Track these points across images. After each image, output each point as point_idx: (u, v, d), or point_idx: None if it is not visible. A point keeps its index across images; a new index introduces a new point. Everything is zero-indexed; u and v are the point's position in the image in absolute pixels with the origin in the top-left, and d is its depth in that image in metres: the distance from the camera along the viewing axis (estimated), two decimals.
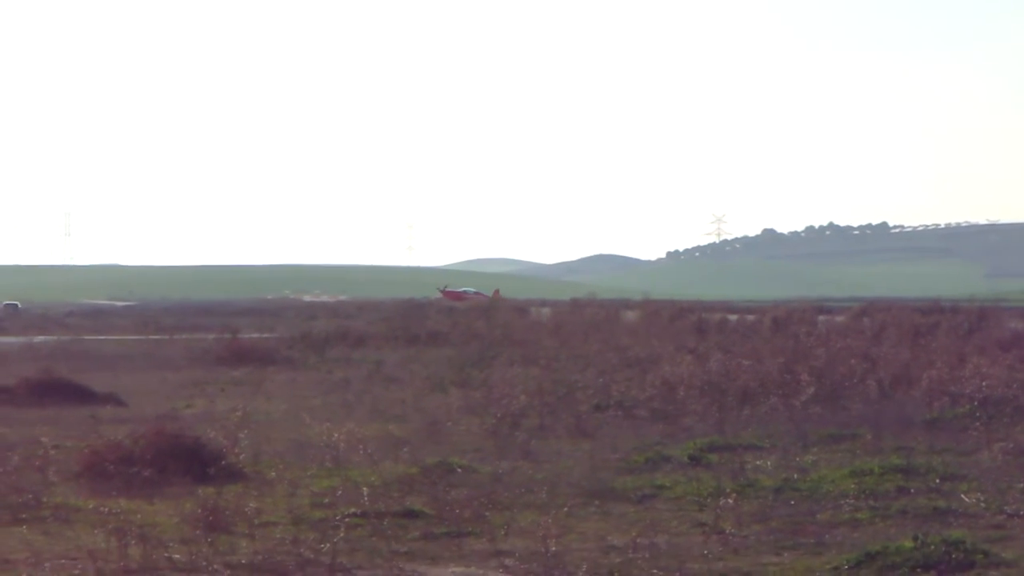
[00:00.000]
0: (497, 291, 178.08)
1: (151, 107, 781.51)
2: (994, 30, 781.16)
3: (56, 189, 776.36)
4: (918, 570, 18.23)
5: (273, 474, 27.21)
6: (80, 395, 43.19)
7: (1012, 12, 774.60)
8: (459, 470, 27.34)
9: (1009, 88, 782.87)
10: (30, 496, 23.82)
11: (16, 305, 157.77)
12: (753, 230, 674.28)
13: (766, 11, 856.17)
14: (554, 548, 19.41)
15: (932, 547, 18.64)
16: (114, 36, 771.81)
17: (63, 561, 19.76)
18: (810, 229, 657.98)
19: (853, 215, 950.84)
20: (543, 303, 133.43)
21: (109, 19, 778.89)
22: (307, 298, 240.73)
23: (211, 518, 21.52)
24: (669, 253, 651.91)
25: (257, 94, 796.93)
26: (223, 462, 27.08)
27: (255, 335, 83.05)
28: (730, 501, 23.02)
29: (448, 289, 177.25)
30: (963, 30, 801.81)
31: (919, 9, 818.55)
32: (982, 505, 22.56)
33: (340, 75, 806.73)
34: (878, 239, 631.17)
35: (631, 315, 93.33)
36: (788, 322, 74.78)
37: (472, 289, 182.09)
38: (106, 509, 23.25)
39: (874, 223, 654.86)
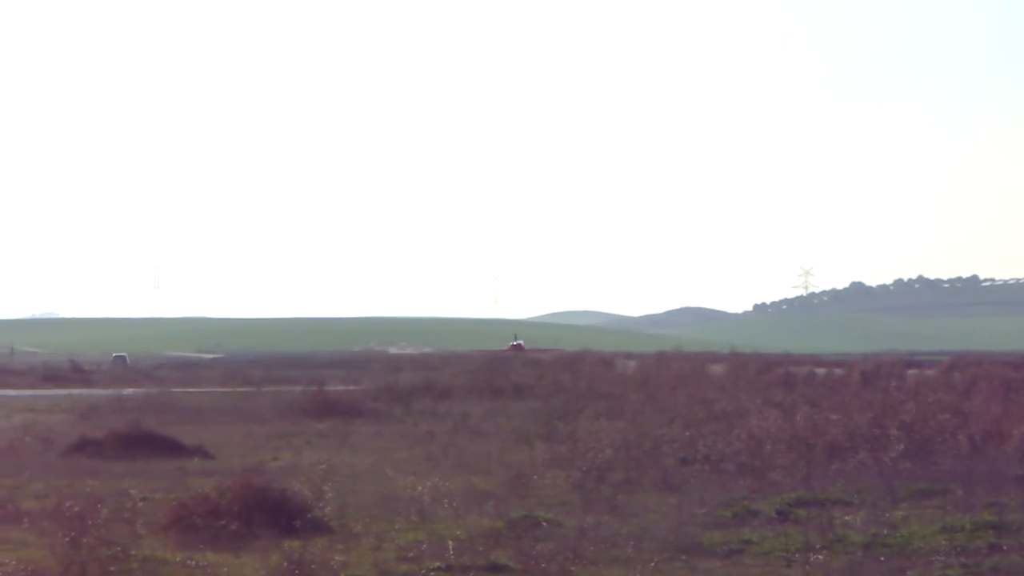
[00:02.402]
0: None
1: (238, 163, 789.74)
2: None
3: (145, 243, 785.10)
4: None
5: (359, 527, 27.24)
6: (168, 448, 43.50)
7: None
8: (544, 524, 27.24)
9: None
10: (119, 549, 23.93)
11: (124, 357, 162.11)
12: (841, 283, 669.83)
13: (854, 65, 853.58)
14: None
15: None
16: (195, 94, 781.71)
17: None
18: (899, 282, 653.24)
19: (943, 268, 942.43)
20: (628, 356, 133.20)
21: (194, 79, 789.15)
22: (392, 350, 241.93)
23: (297, 571, 21.60)
24: (756, 306, 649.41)
25: (342, 147, 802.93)
26: (309, 515, 27.22)
27: (341, 387, 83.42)
28: (819, 557, 22.85)
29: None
30: None
31: (1007, 59, 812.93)
32: None
33: (426, 128, 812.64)
34: (969, 293, 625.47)
35: (717, 368, 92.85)
36: (877, 376, 74.10)
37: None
38: (193, 562, 23.44)
39: (964, 276, 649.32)
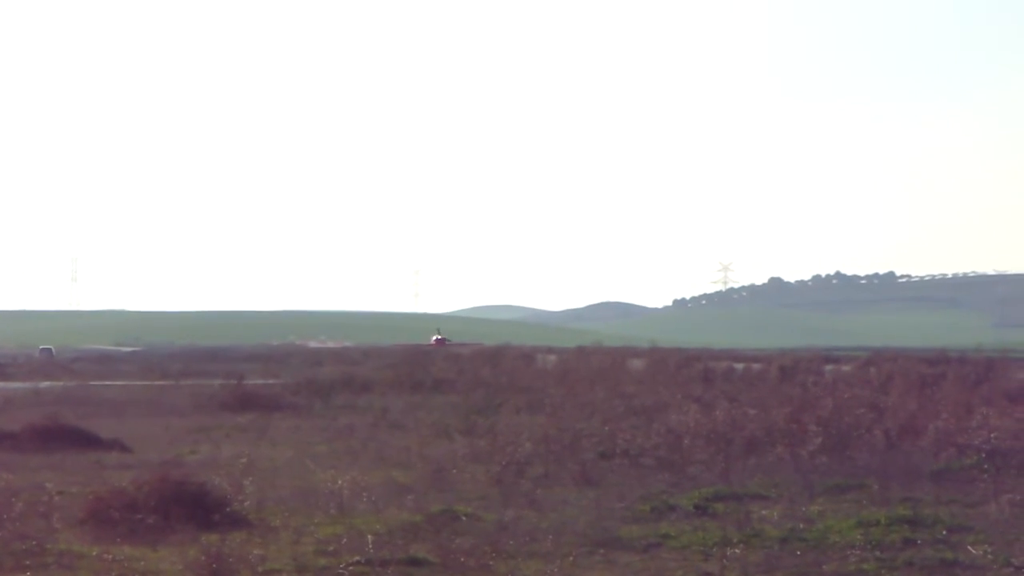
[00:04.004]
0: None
1: (158, 154, 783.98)
2: (1000, 80, 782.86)
3: (63, 235, 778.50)
4: None
5: (277, 521, 27.12)
6: (85, 441, 43.12)
7: (1014, 58, 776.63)
8: (464, 518, 27.23)
9: (1017, 138, 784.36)
10: (34, 543, 23.76)
11: (51, 350, 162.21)
12: (760, 278, 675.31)
13: (772, 62, 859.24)
14: None
15: None
16: (116, 83, 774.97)
17: None
18: (817, 278, 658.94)
19: (860, 264, 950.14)
20: (549, 350, 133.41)
21: (112, 69, 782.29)
22: (313, 344, 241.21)
23: (215, 565, 21.44)
24: (676, 301, 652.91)
25: (262, 140, 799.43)
26: (227, 509, 27.04)
27: (260, 381, 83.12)
28: (736, 551, 22.95)
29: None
30: (969, 80, 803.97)
31: (924, 60, 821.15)
32: (989, 557, 22.45)
33: (346, 119, 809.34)
34: (885, 289, 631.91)
35: (637, 363, 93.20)
36: (795, 371, 74.69)
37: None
38: (110, 556, 23.22)
39: (881, 272, 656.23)
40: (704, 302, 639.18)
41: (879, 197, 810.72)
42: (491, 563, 22.40)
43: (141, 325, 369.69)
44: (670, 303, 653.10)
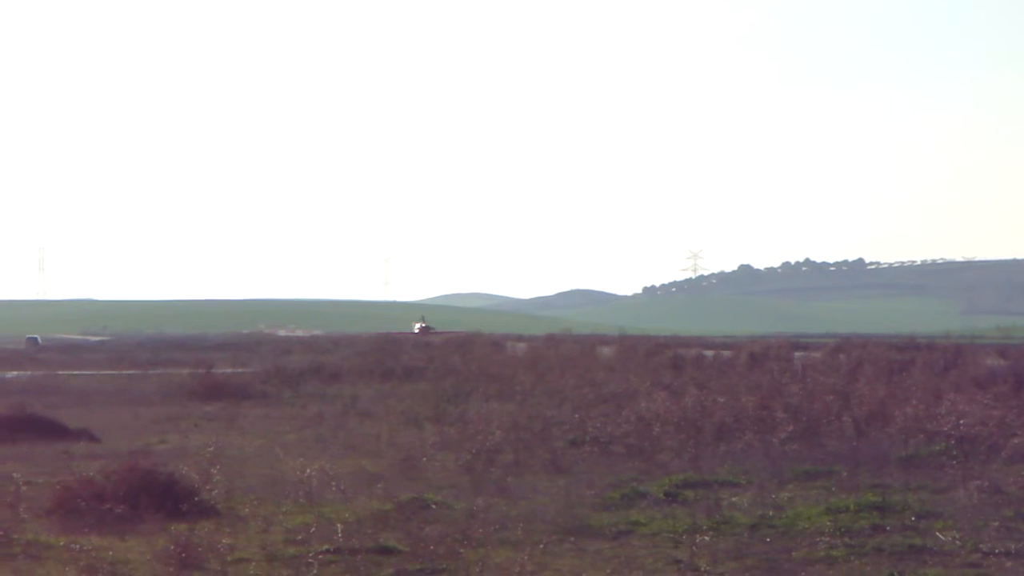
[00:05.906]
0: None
1: (126, 143, 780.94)
2: (967, 68, 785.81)
3: (30, 224, 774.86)
4: None
5: (246, 510, 27.03)
6: (53, 431, 42.90)
7: (984, 51, 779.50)
8: (434, 506, 27.20)
9: (985, 126, 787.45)
10: (1, 533, 23.60)
11: (37, 339, 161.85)
12: (730, 266, 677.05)
13: (742, 49, 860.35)
14: None
15: None
16: (84, 73, 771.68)
17: None
18: (786, 265, 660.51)
19: (829, 251, 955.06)
20: (519, 338, 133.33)
21: (79, 61, 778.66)
22: (282, 333, 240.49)
23: (183, 555, 21.38)
24: (645, 288, 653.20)
25: (231, 129, 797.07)
26: (196, 498, 26.96)
27: (229, 370, 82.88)
28: (706, 538, 22.96)
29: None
30: (937, 68, 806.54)
31: (894, 47, 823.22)
32: (957, 543, 22.49)
33: (316, 108, 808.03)
34: (854, 276, 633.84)
35: (607, 350, 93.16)
36: (764, 358, 74.70)
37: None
38: (78, 546, 23.10)
39: (850, 260, 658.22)
40: (674, 289, 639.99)
41: (848, 185, 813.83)
42: (461, 551, 22.34)
43: (109, 314, 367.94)
44: (640, 290, 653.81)
